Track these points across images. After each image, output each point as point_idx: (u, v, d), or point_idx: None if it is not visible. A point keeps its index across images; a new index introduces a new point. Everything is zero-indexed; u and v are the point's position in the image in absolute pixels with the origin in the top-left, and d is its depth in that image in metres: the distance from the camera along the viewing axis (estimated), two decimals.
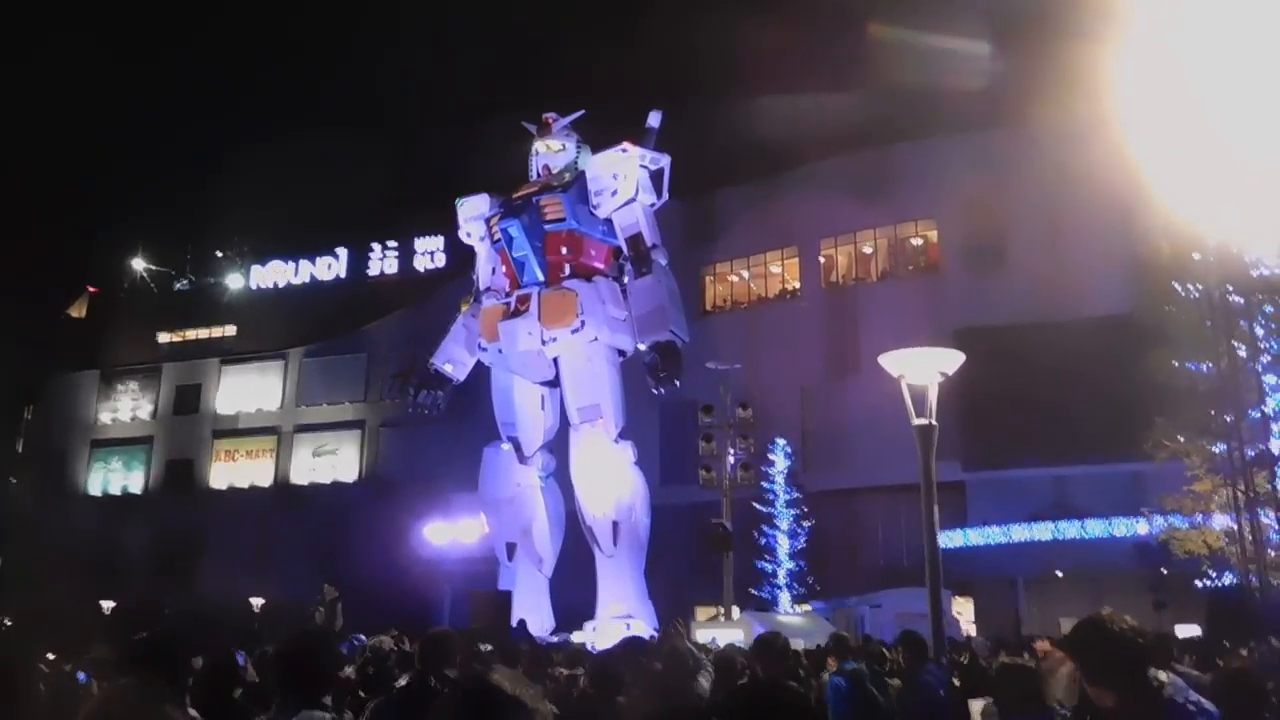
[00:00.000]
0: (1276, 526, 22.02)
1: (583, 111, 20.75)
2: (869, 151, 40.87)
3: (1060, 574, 34.02)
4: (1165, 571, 25.62)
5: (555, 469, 20.30)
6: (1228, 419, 21.64)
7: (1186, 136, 19.43)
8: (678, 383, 18.13)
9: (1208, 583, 24.22)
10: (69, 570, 42.46)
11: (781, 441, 35.91)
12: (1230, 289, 22.13)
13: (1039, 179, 35.17)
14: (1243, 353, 22.26)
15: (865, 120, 40.04)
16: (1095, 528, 33.32)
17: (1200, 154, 19.33)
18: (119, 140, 79.24)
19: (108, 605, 39.58)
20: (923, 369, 8.20)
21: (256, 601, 34.18)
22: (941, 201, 39.57)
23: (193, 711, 3.33)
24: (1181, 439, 23.34)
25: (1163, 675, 3.04)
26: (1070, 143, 31.88)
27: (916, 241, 42.75)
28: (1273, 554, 21.72)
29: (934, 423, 8.13)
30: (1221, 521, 23.11)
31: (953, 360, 8.25)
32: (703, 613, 30.45)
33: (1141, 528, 28.83)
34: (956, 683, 9.66)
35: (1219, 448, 22.45)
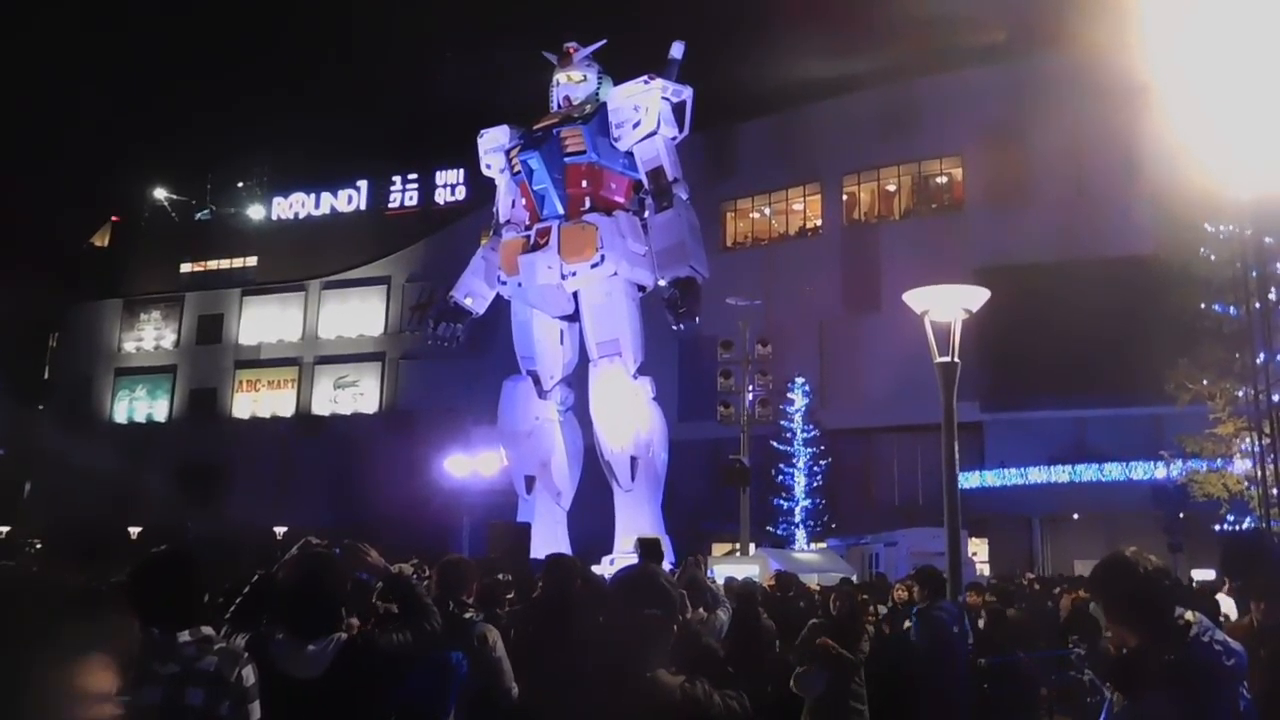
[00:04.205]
0: None
1: (604, 41, 20.36)
2: (894, 86, 40.14)
3: (1076, 516, 34.06)
4: (1182, 515, 25.60)
5: (574, 403, 20.32)
6: (1259, 359, 21.38)
7: (1219, 70, 18.95)
8: (697, 319, 18.03)
9: (1226, 526, 24.18)
10: (95, 496, 43.21)
11: (800, 380, 35.89)
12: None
13: (1065, 114, 34.46)
14: (1273, 295, 21.94)
15: (890, 54, 39.30)
16: (1113, 470, 33.26)
17: (1233, 89, 18.86)
18: (141, 68, 78.74)
19: (133, 531, 40.33)
20: (947, 306, 8.12)
21: (280, 530, 34.64)
22: (966, 138, 38.94)
23: (205, 630, 3.34)
24: (1205, 381, 23.14)
25: (1189, 614, 3.00)
26: (1097, 76, 31.17)
27: (941, 179, 42.18)
28: None
29: (956, 360, 8.06)
30: (1243, 465, 23.00)
31: (977, 297, 8.16)
32: (719, 548, 30.72)
33: (1160, 471, 28.78)
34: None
35: (1243, 391, 22.27)
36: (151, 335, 57.36)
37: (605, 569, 17.51)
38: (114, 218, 60.68)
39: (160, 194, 59.75)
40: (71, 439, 46.82)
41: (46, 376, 58.50)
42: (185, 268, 57.70)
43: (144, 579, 3.31)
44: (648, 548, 8.47)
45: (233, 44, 74.63)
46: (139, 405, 56.50)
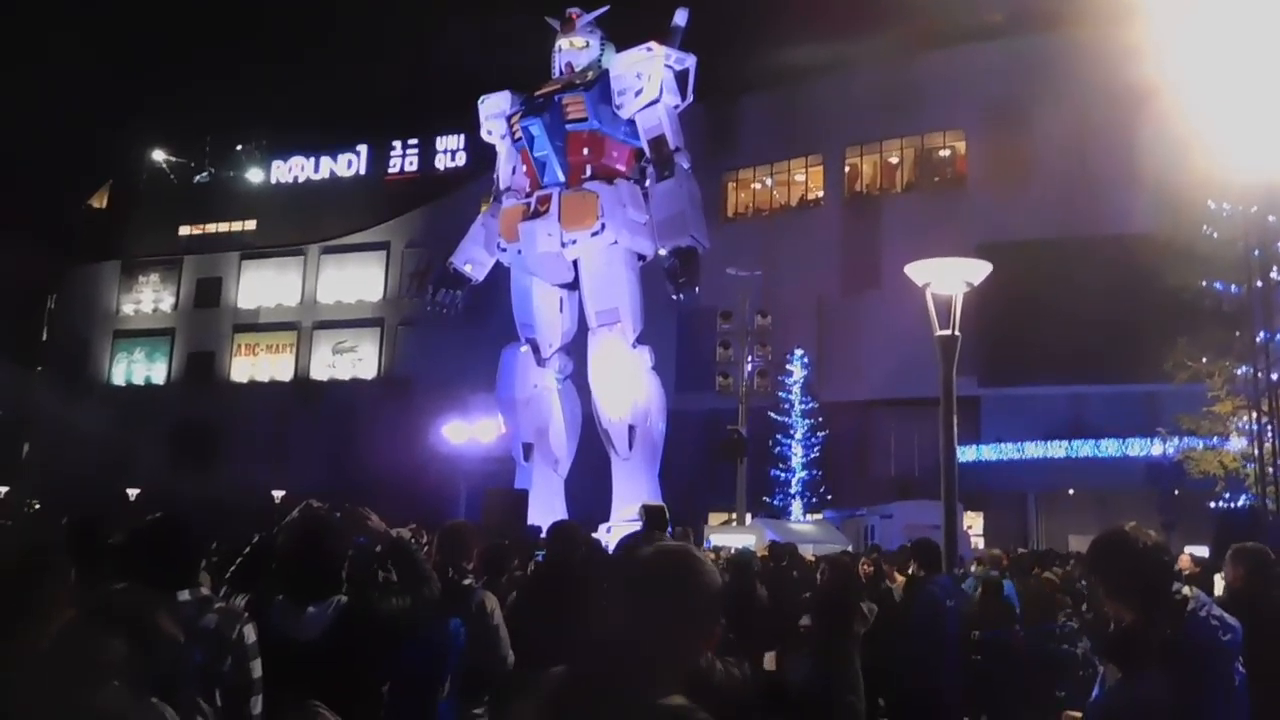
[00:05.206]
0: None
1: (607, 8, 20.18)
2: (898, 59, 39.79)
3: (1071, 492, 34.19)
4: (1177, 492, 25.69)
5: (573, 372, 20.33)
6: (1260, 337, 21.38)
7: (1226, 50, 18.83)
8: (696, 289, 18.00)
9: (1221, 504, 24.28)
10: (92, 458, 43.34)
11: (799, 351, 35.91)
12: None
13: (1069, 91, 34.22)
14: (1275, 274, 21.90)
15: (895, 29, 38.95)
16: (1109, 447, 33.37)
17: (1240, 69, 18.75)
18: (142, 29, 78.01)
19: (131, 492, 40.49)
20: (948, 279, 8.10)
21: (278, 494, 34.80)
22: (970, 113, 38.72)
23: (204, 590, 3.37)
24: (1204, 360, 23.16)
25: (1186, 590, 3.00)
26: (1103, 55, 30.89)
27: (944, 153, 41.97)
28: None
29: (957, 334, 8.05)
30: (1239, 443, 23.06)
31: (979, 271, 8.14)
32: (715, 518, 30.84)
33: (1155, 448, 28.85)
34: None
35: (1242, 369, 22.29)
36: (150, 298, 57.26)
37: (603, 536, 17.60)
38: (111, 180, 60.38)
39: (159, 156, 59.42)
40: (69, 401, 46.94)
41: (45, 338, 58.48)
42: (184, 230, 57.50)
43: (140, 541, 3.32)
44: (652, 515, 8.47)
45: (234, 5, 73.94)
46: (137, 368, 56.51)
